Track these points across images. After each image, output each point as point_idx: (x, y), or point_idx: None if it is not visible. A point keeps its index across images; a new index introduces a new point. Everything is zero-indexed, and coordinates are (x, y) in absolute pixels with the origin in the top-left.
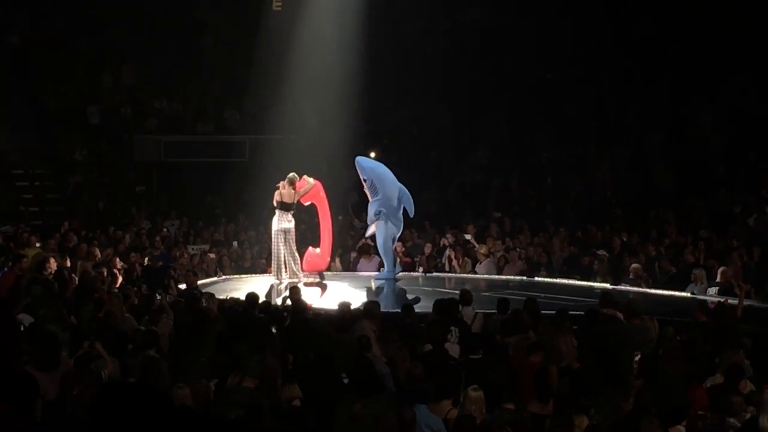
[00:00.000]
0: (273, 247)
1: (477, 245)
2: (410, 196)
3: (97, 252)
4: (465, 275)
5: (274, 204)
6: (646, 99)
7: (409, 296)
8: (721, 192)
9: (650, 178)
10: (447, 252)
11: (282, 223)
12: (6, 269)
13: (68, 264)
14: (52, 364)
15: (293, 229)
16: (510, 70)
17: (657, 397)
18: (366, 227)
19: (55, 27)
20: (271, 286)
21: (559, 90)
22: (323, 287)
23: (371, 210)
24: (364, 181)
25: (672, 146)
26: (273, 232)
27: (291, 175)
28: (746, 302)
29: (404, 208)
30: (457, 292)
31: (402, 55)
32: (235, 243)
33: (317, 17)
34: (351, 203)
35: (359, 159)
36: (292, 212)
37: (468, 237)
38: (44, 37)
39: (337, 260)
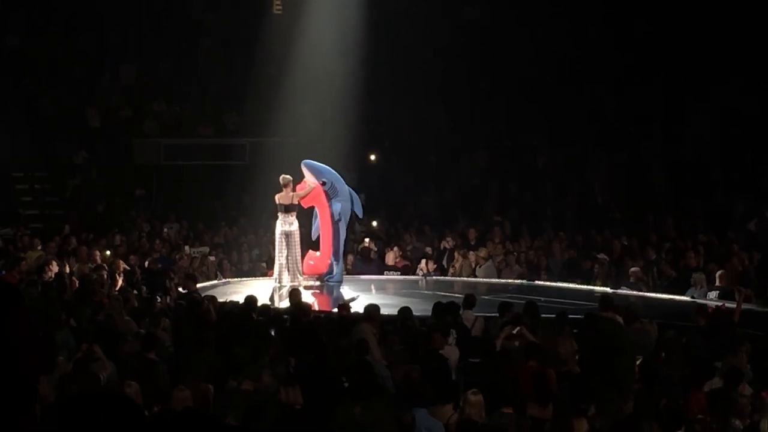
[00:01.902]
0: (276, 249)
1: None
2: (359, 198)
3: (97, 255)
4: (465, 279)
5: (277, 207)
6: (641, 101)
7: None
8: (717, 194)
9: (647, 181)
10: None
11: (284, 225)
12: (4, 272)
13: (68, 267)
14: (48, 367)
15: (296, 232)
16: (507, 72)
17: (656, 401)
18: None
19: (53, 29)
20: (273, 290)
21: (555, 92)
22: (323, 290)
23: (335, 210)
24: (323, 183)
25: (668, 148)
26: (276, 235)
27: (281, 177)
28: (747, 306)
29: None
30: (458, 295)
31: (401, 57)
32: (234, 253)
33: (317, 20)
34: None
35: (310, 162)
36: (293, 214)
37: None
38: (42, 38)
39: None
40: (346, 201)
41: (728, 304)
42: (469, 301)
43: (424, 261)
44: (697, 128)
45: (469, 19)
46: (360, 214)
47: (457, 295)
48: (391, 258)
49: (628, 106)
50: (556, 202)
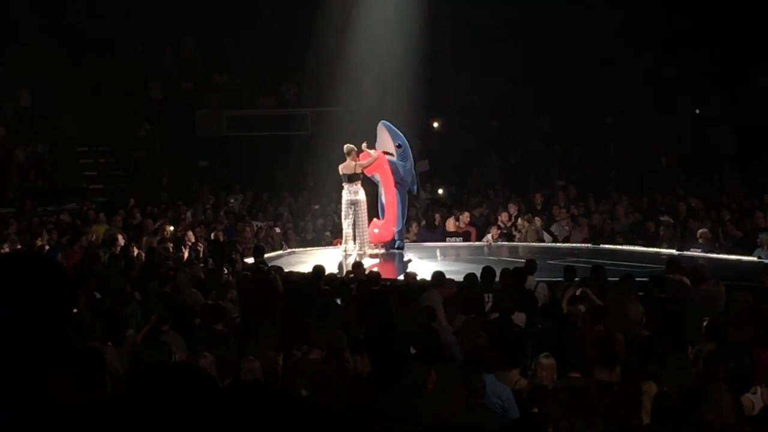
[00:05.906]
0: (343, 219)
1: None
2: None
3: (168, 229)
4: (531, 243)
5: (341, 177)
6: (703, 62)
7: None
8: None
9: (712, 142)
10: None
11: (349, 195)
12: (68, 247)
13: (140, 240)
14: (116, 339)
15: (362, 201)
16: (566, 37)
17: (724, 363)
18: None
19: (113, 4)
20: (339, 258)
21: (615, 55)
22: (388, 258)
23: (407, 176)
24: (398, 146)
25: (731, 109)
26: (342, 204)
27: (345, 146)
28: None
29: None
30: (523, 260)
31: (460, 24)
32: (299, 223)
33: None
34: (417, 173)
35: (388, 124)
36: (357, 183)
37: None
38: (103, 14)
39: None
40: (412, 169)
41: None
42: (530, 267)
43: (489, 227)
44: (761, 88)
45: None
46: (414, 192)
47: (521, 260)
48: (452, 224)
49: (690, 67)
50: (621, 165)
